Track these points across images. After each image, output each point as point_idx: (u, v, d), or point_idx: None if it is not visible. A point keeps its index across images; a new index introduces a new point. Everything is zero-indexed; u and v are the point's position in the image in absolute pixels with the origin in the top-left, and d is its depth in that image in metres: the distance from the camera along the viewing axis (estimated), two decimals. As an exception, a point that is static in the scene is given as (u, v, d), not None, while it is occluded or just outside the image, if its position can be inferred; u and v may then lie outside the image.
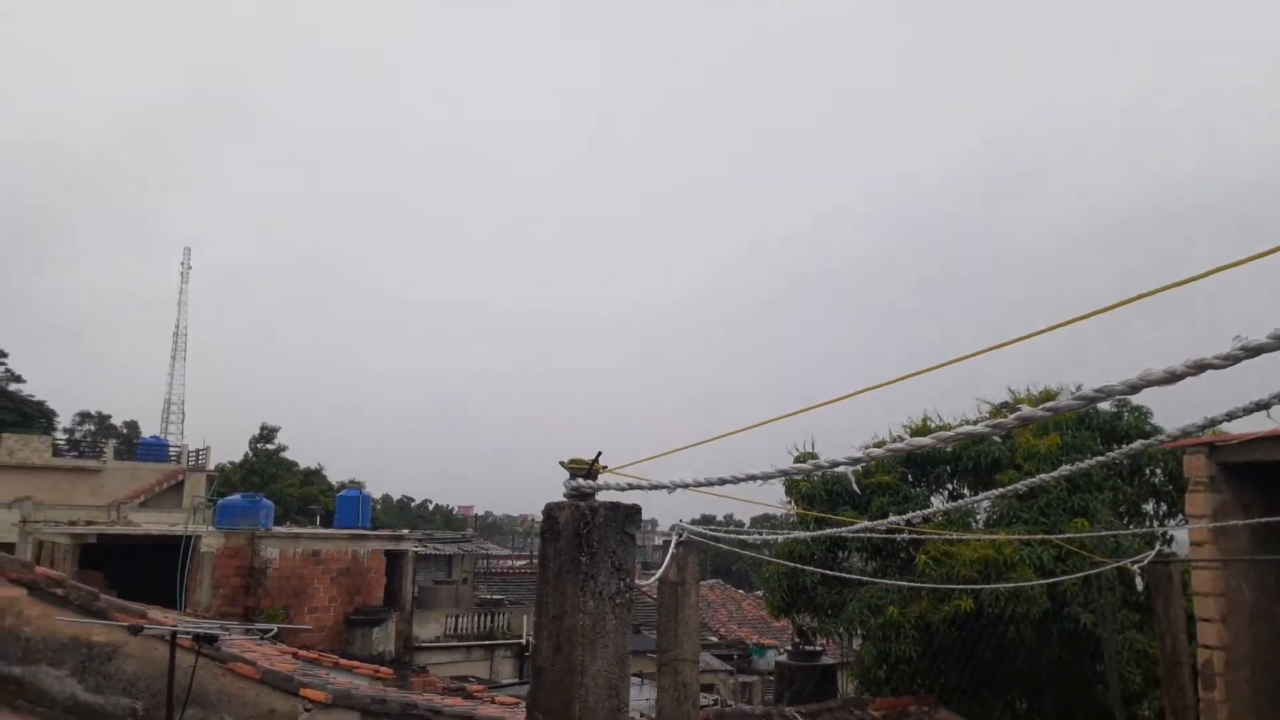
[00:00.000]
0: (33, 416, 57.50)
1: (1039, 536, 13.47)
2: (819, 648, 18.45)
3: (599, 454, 3.24)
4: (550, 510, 3.12)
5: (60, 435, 60.84)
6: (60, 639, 6.53)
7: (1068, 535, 13.13)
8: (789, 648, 18.96)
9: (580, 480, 3.14)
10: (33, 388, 63.56)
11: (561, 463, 3.28)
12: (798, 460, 14.74)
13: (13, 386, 62.42)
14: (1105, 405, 16.63)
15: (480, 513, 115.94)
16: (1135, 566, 9.14)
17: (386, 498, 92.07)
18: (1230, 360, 1.74)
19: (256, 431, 62.37)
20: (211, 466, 52.87)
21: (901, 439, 17.96)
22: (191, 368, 70.39)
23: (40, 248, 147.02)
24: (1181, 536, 13.18)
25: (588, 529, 3.01)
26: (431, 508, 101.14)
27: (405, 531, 30.77)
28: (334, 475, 67.17)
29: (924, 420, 18.36)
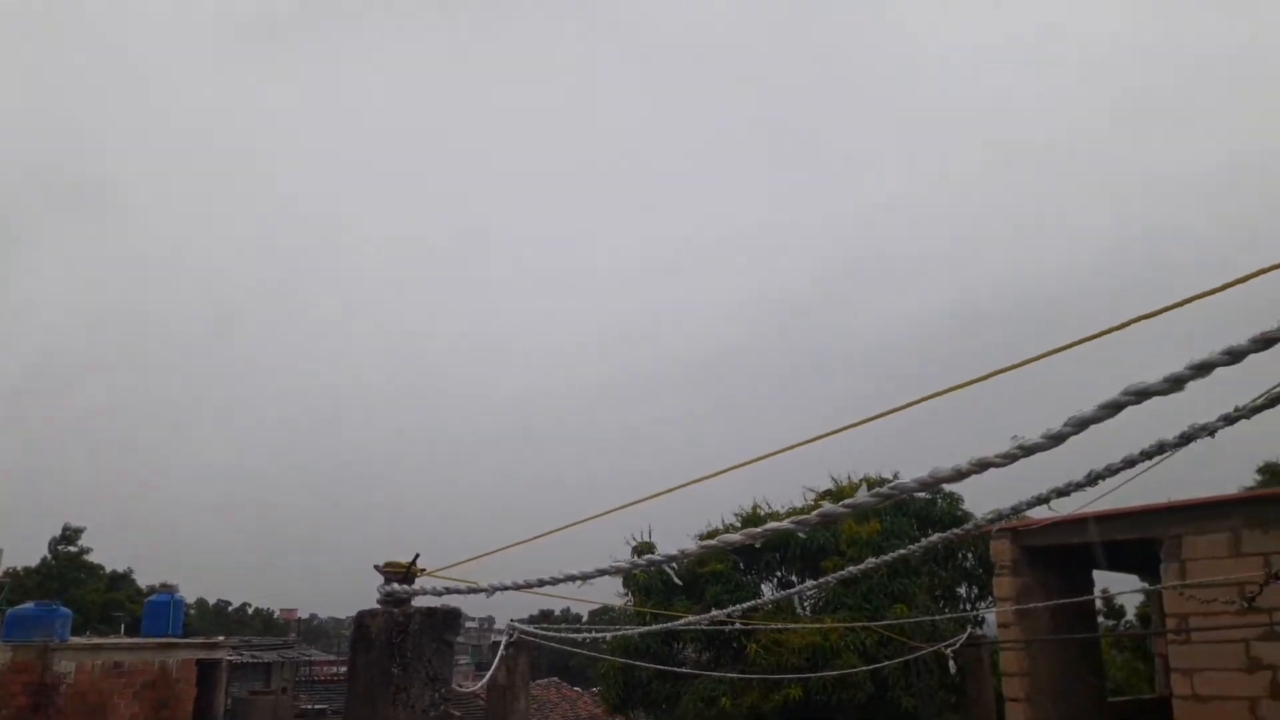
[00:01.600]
0: None
1: (861, 623, 13.86)
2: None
3: (416, 556, 3.09)
4: (362, 618, 2.94)
5: None
6: None
7: (888, 621, 13.56)
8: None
9: (395, 585, 2.98)
10: None
11: (376, 566, 3.11)
12: (635, 549, 14.70)
13: None
14: (921, 493, 17.47)
15: (304, 616, 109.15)
16: (949, 650, 9.50)
17: (202, 602, 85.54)
18: (1009, 458, 1.84)
19: (58, 533, 57.06)
20: (2, 572, 47.74)
21: (734, 527, 18.27)
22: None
23: None
24: (992, 618, 13.85)
25: (402, 637, 2.85)
26: (251, 611, 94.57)
27: (220, 638, 28.52)
28: (144, 579, 61.94)
29: (754, 508, 18.79)
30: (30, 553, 57.16)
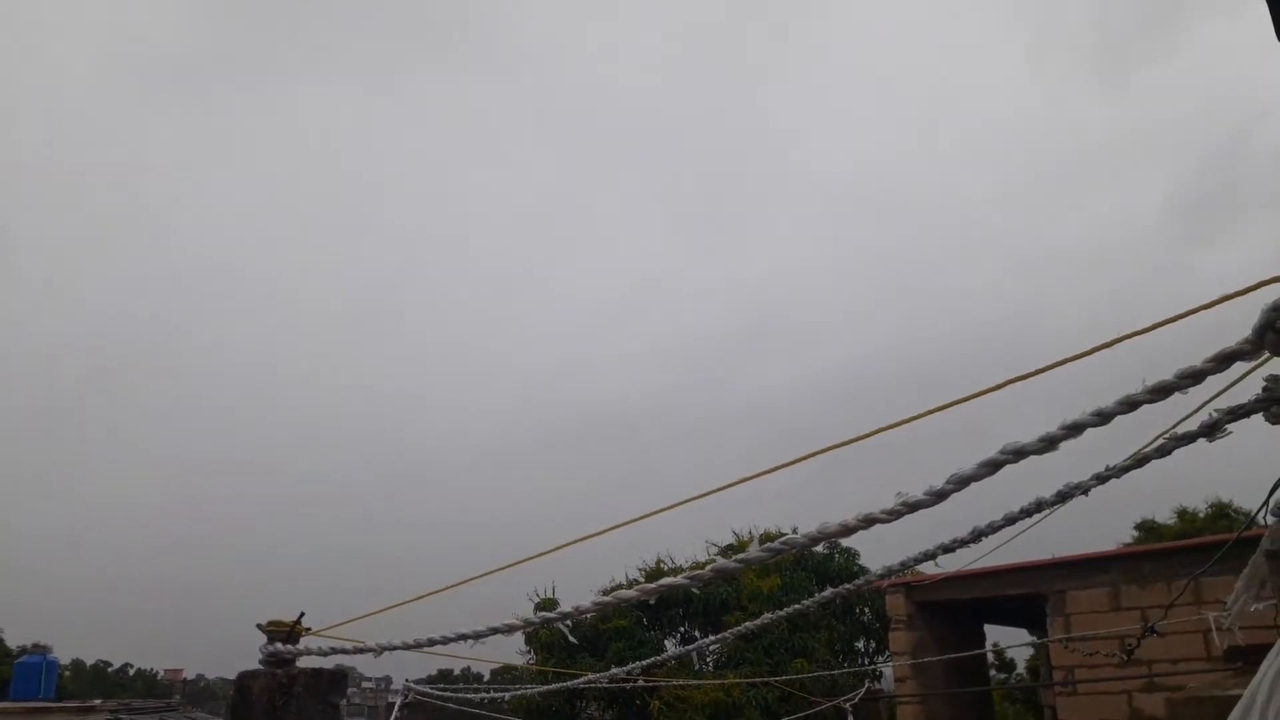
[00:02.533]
0: None
1: (763, 679, 13.85)
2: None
3: (301, 615, 2.96)
4: (243, 679, 2.79)
5: None
6: None
7: (788, 677, 13.59)
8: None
9: (279, 645, 2.85)
10: None
11: (259, 625, 2.97)
12: (538, 606, 14.49)
13: None
14: (818, 547, 17.72)
15: (190, 676, 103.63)
16: (848, 704, 9.56)
17: (78, 663, 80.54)
18: (894, 515, 1.87)
19: (-81, 590, 53.12)
20: None
21: (638, 582, 18.14)
22: None
23: None
24: (889, 672, 14.02)
25: (285, 699, 2.71)
26: (133, 673, 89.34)
27: (97, 702, 26.77)
28: (14, 639, 58.03)
29: (658, 563, 18.72)
30: (-112, 612, 53.15)
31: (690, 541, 19.33)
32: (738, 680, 14.43)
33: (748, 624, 4.79)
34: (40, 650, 45.47)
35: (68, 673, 59.66)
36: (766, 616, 4.50)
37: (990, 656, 19.78)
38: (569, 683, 9.79)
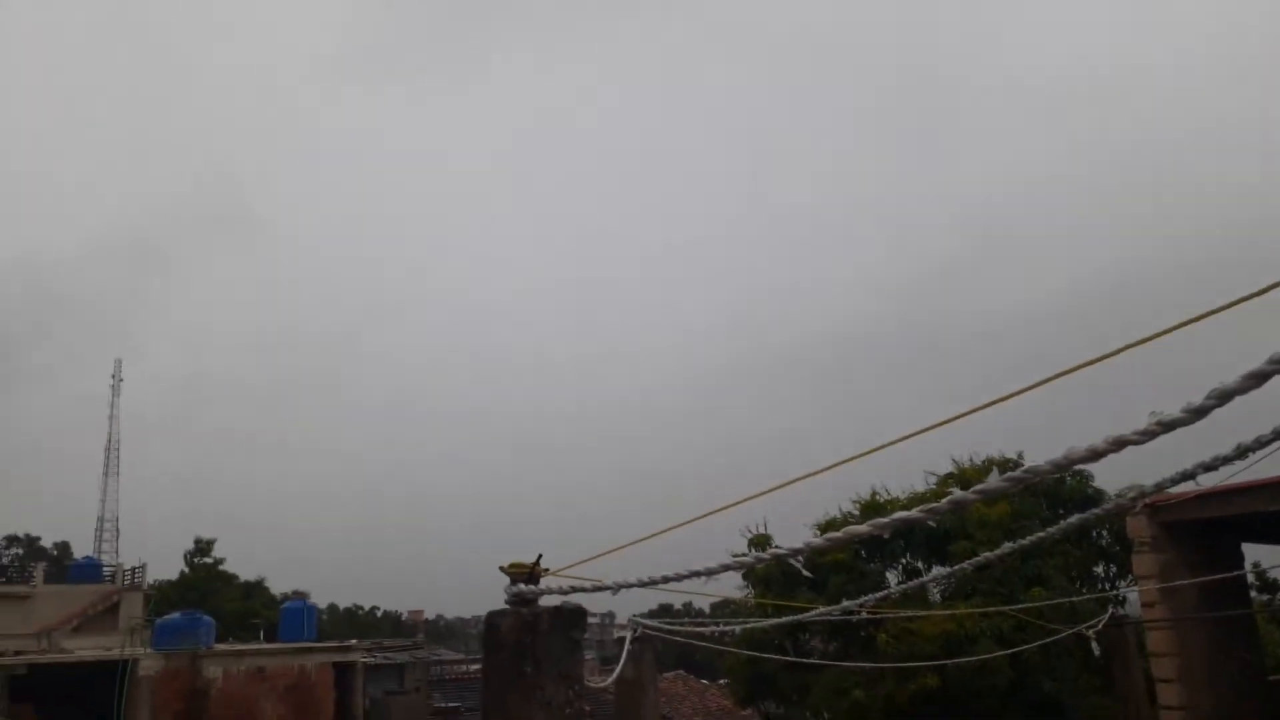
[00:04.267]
0: (-44, 543, 55.06)
1: (996, 608, 13.49)
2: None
3: (539, 556, 3.17)
4: (492, 619, 3.04)
5: (-14, 561, 58.29)
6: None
7: (1024, 605, 13.17)
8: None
9: (521, 585, 3.07)
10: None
11: (501, 567, 3.20)
12: (752, 542, 14.65)
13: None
14: (1049, 471, 16.92)
15: (431, 617, 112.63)
16: (1091, 632, 9.16)
17: (332, 607, 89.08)
18: (1148, 435, 1.78)
19: (191, 545, 60.38)
20: (148, 584, 50.86)
21: (852, 515, 18.03)
22: (128, 483, 68.27)
23: (9, 367, 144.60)
24: (1134, 598, 13.30)
25: (531, 637, 2.93)
26: (380, 614, 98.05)
27: (353, 642, 29.81)
28: (277, 586, 64.98)
29: (873, 495, 18.47)
30: (170, 565, 60.71)
31: (907, 471, 18.93)
32: (970, 610, 14.13)
33: (985, 554, 4.68)
34: (300, 596, 50.78)
35: (324, 616, 66.29)
36: (1006, 546, 4.38)
37: (1250, 577, 18.33)
38: (800, 616, 9.92)
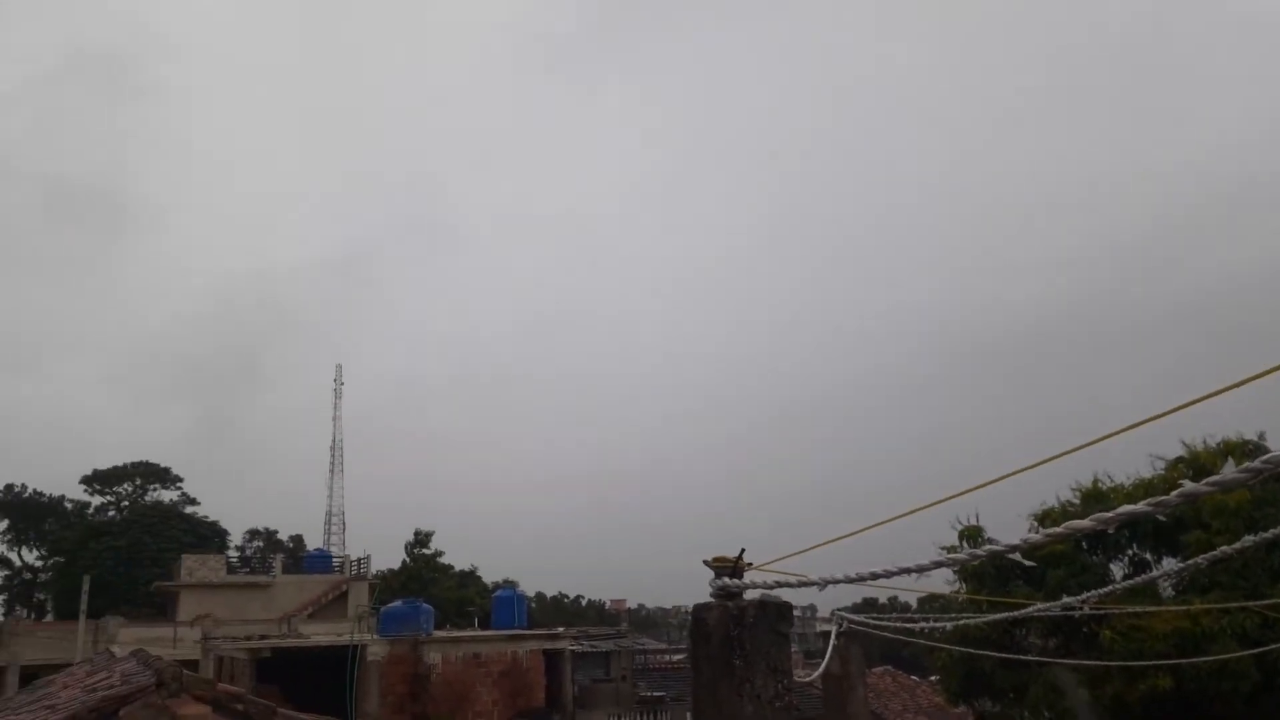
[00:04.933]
0: (208, 537, 61.19)
1: (1239, 604, 12.42)
2: (1004, 736, 17.39)
3: (742, 551, 3.22)
4: (698, 612, 3.12)
5: (233, 553, 64.53)
6: (241, 754, 6.82)
7: (1272, 601, 12.05)
8: (970, 736, 17.92)
9: (726, 579, 3.13)
10: (206, 509, 67.92)
11: (705, 561, 3.28)
12: (962, 534, 14.04)
13: (189, 509, 66.85)
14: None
15: (633, 606, 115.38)
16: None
17: (540, 595, 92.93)
18: None
19: (411, 537, 64.42)
20: (372, 574, 54.82)
21: (1072, 505, 17.05)
22: (351, 480, 73.72)
23: (240, 377, 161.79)
24: None
25: (738, 630, 2.98)
26: (584, 604, 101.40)
27: (561, 630, 30.94)
28: (488, 576, 68.45)
29: (1094, 483, 17.38)
30: (392, 556, 65.06)
31: (1132, 455, 17.66)
32: (1207, 606, 13.07)
33: (1223, 548, 4.32)
34: (509, 585, 52.94)
35: (533, 605, 69.23)
36: (1247, 540, 4.04)
37: None
38: (1017, 613, 9.50)
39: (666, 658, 47.06)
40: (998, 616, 10.11)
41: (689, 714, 28.64)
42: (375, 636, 25.28)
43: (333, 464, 73.57)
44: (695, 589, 3.32)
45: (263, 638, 28.10)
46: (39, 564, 68.14)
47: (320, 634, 31.37)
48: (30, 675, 29.23)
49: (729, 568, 3.20)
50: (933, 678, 31.60)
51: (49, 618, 59.45)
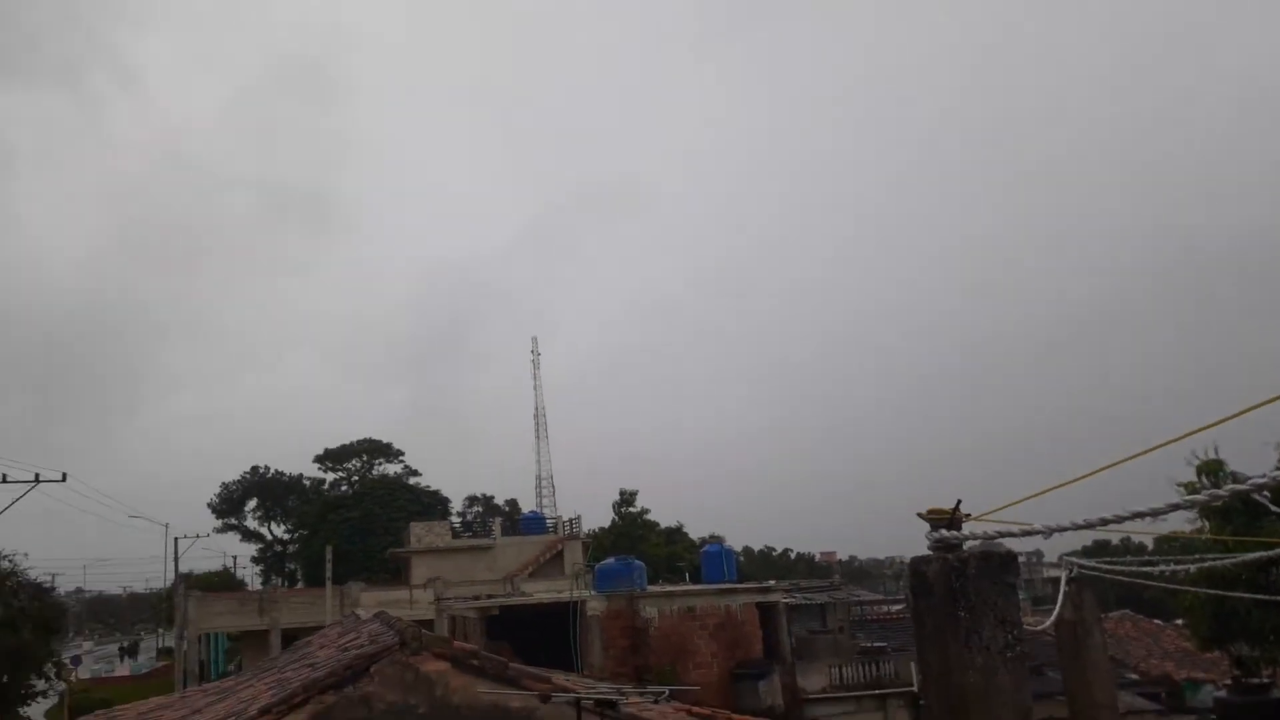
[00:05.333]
0: (431, 505, 65.41)
1: None
2: (1266, 679, 16.16)
3: (959, 502, 3.18)
4: (916, 565, 3.11)
5: (455, 519, 68.69)
6: (482, 706, 7.35)
7: None
8: (1228, 682, 16.73)
9: (943, 531, 3.10)
10: (427, 479, 72.53)
11: (920, 514, 3.26)
12: (1201, 469, 13.05)
13: (412, 480, 71.62)
14: None
15: (843, 558, 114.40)
16: None
17: (748, 549, 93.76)
18: None
19: (617, 497, 66.42)
20: (584, 534, 57.06)
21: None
22: (558, 444, 76.76)
23: (452, 354, 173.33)
24: None
25: (961, 582, 2.96)
26: (794, 556, 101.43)
27: (772, 582, 31.20)
28: (694, 531, 69.68)
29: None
30: (600, 515, 67.44)
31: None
32: None
33: None
34: (716, 540, 53.79)
35: (741, 558, 69.96)
36: None
37: None
38: (1271, 552, 8.78)
39: (884, 608, 46.50)
40: (1247, 557, 9.34)
41: (913, 664, 28.22)
42: (593, 593, 26.37)
43: (537, 431, 76.65)
44: (907, 540, 3.34)
45: (489, 597, 29.94)
46: (286, 537, 75.09)
47: (541, 592, 33.02)
48: (290, 636, 32.46)
49: (946, 520, 3.17)
50: (1178, 621, 29.71)
51: (299, 585, 65.47)
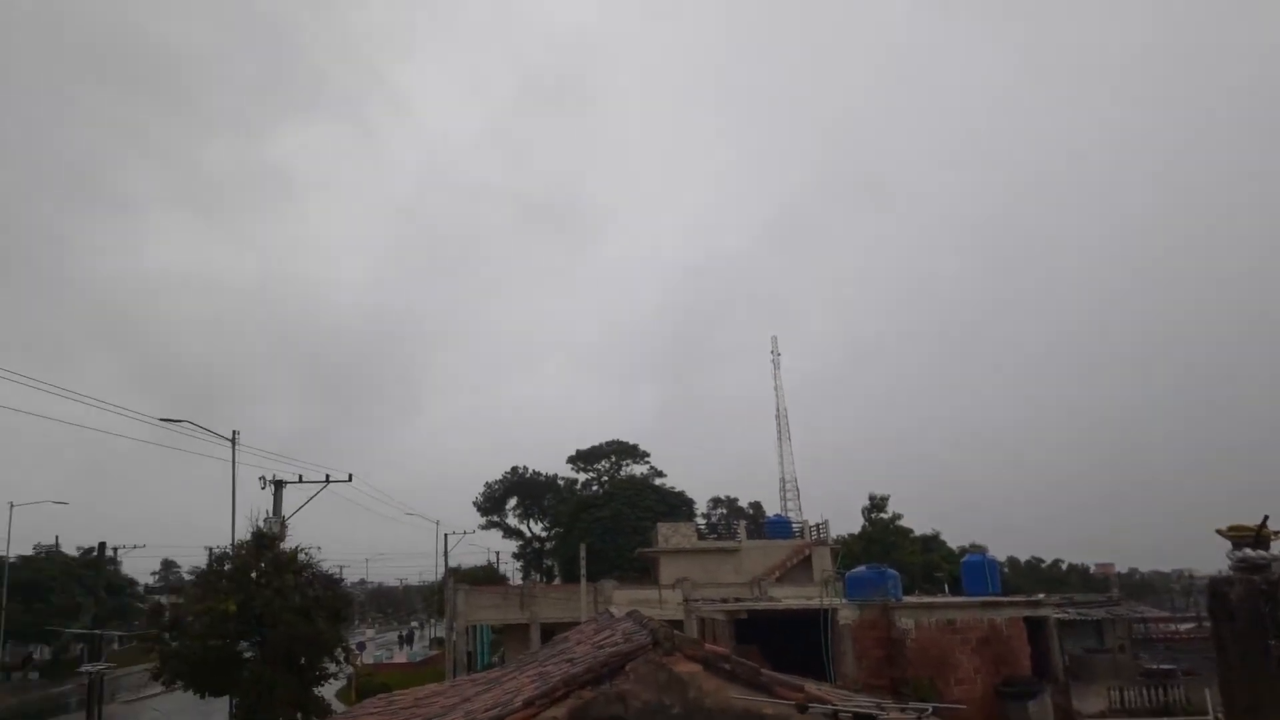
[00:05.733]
0: (676, 505, 66.72)
1: None
2: None
3: (1265, 518, 2.87)
4: (1216, 586, 2.85)
5: (700, 520, 69.71)
6: (735, 711, 7.41)
7: None
8: None
9: (1247, 550, 2.82)
10: (672, 480, 74.07)
11: (1219, 530, 2.98)
12: None
13: (657, 481, 73.38)
14: None
15: (1122, 570, 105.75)
16: None
17: (1012, 560, 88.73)
18: None
19: (866, 501, 64.90)
20: (832, 539, 56.21)
21: None
22: (801, 446, 76.16)
23: (697, 355, 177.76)
24: None
25: (1270, 608, 2.68)
26: (1065, 568, 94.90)
27: (1041, 596, 29.41)
28: (952, 540, 66.94)
29: None
30: (848, 521, 66.23)
31: None
32: None
33: None
34: (978, 550, 51.55)
35: (1005, 569, 66.35)
36: None
37: None
38: None
39: (1171, 627, 42.62)
40: None
41: (1207, 691, 25.66)
42: (844, 601, 25.94)
43: (779, 432, 76.38)
44: (1197, 550, 3.05)
45: (737, 600, 30.15)
46: (543, 534, 79.10)
47: (789, 597, 32.86)
48: (548, 630, 34.17)
49: (1250, 537, 2.88)
50: None
51: (556, 580, 68.75)
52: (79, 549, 66.38)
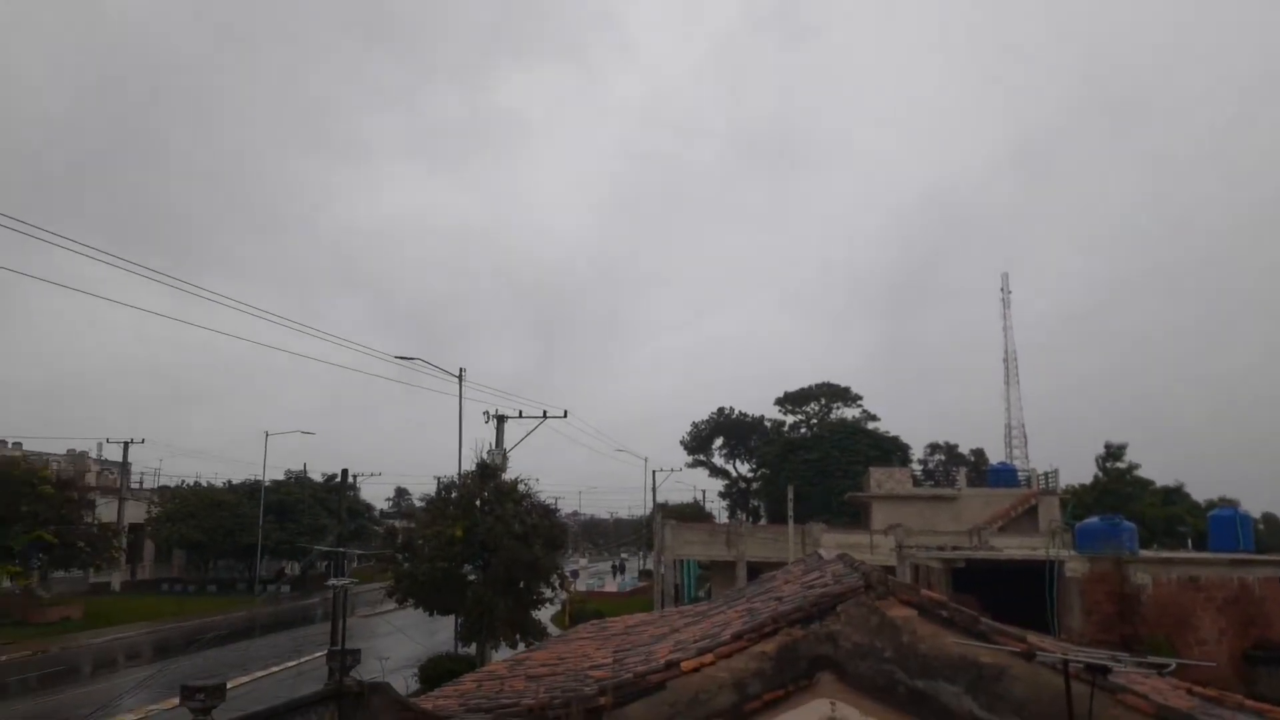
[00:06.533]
0: (890, 450, 65.38)
1: None
2: None
3: None
4: None
5: (915, 466, 68.07)
6: (950, 658, 7.28)
7: None
8: None
9: None
10: (886, 425, 72.55)
11: None
12: None
13: (870, 425, 72.07)
14: None
15: None
16: None
17: (1269, 516, 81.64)
18: None
19: (1101, 450, 61.23)
20: (1061, 489, 53.52)
21: None
22: (1030, 391, 72.73)
23: (919, 293, 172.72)
24: None
25: None
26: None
27: (1301, 556, 26.90)
28: (1198, 493, 62.25)
29: None
30: (1080, 470, 62.69)
31: None
32: None
33: None
34: (1228, 504, 47.94)
35: (1260, 526, 61.12)
36: None
37: None
38: None
39: None
40: None
41: None
42: (1072, 553, 24.74)
43: (1007, 376, 73.17)
44: None
45: (955, 549, 29.34)
46: (750, 475, 79.69)
47: (1012, 547, 31.63)
48: (753, 569, 34.53)
49: None
50: None
51: (762, 521, 69.26)
52: (323, 475, 72.71)
